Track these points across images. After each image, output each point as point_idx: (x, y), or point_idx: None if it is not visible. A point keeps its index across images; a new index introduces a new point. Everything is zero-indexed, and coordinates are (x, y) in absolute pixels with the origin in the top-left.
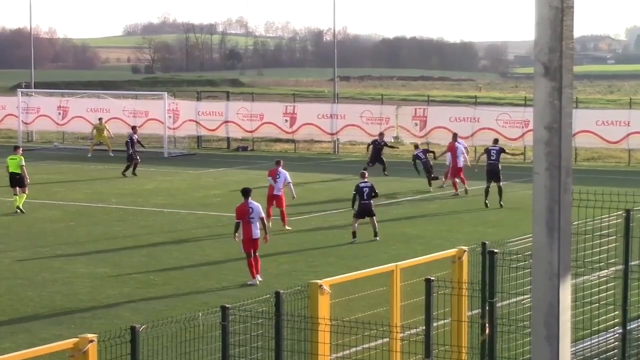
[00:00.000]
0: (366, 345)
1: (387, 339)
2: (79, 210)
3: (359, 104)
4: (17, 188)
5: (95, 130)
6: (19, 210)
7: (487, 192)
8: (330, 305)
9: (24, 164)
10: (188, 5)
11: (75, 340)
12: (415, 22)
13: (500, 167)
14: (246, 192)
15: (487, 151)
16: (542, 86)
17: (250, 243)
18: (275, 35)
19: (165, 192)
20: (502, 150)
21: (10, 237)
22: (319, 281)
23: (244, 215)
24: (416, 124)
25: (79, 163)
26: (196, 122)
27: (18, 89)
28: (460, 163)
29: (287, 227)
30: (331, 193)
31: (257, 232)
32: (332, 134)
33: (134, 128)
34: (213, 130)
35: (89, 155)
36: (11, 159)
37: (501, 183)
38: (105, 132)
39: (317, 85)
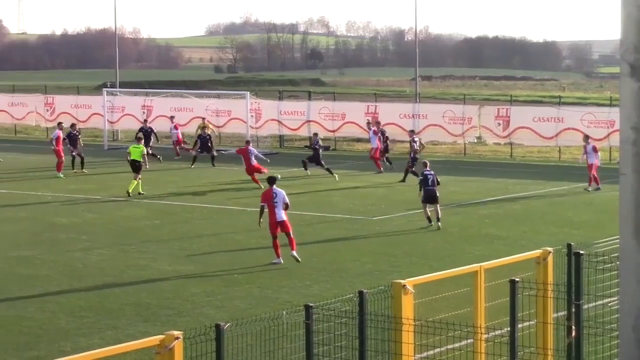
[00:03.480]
0: (450, 346)
1: (471, 340)
2: (163, 208)
3: (441, 104)
4: (134, 174)
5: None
6: (131, 194)
7: None
8: (414, 305)
9: (145, 153)
10: (270, 5)
11: (161, 337)
12: (498, 22)
13: None
14: (272, 180)
15: None
16: (629, 86)
17: (275, 225)
18: (357, 34)
19: (249, 191)
20: None
21: (97, 234)
22: (402, 281)
23: (268, 199)
24: (499, 124)
25: (164, 162)
26: (278, 121)
27: (103, 89)
28: (592, 160)
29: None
30: (413, 193)
31: (281, 214)
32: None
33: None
34: (295, 129)
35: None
36: (134, 147)
37: None
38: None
39: (399, 84)
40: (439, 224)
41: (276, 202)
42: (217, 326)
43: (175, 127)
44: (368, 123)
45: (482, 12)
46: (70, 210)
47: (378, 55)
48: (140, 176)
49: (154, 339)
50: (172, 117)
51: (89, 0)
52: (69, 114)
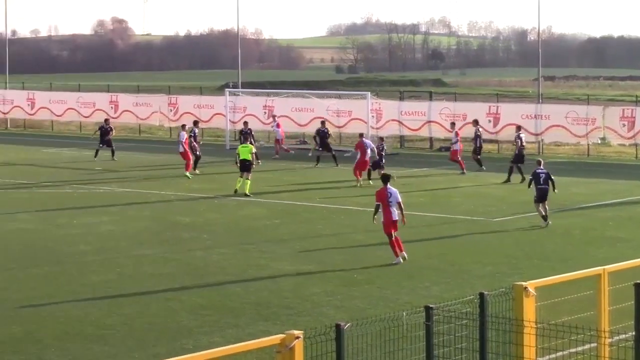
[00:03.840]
0: (573, 350)
1: (595, 344)
2: (283, 208)
3: (564, 105)
4: (245, 173)
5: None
6: (245, 195)
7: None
8: (536, 307)
9: (254, 151)
10: (391, 5)
11: (282, 336)
12: (623, 21)
13: None
14: (386, 178)
15: None
16: None
17: (390, 225)
18: (479, 35)
19: (368, 192)
20: None
21: (218, 234)
22: (524, 283)
23: (383, 198)
24: (624, 125)
25: (284, 162)
26: (399, 122)
27: (226, 89)
28: None
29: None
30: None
31: (395, 214)
32: (536, 135)
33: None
34: (416, 130)
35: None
36: (243, 147)
37: None
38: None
39: (521, 85)
40: (549, 222)
41: (391, 202)
42: (337, 326)
43: (278, 126)
44: (452, 124)
45: (606, 12)
46: (192, 210)
47: (500, 55)
48: (250, 175)
49: (274, 338)
50: (274, 116)
51: (212, 1)
52: (191, 114)
